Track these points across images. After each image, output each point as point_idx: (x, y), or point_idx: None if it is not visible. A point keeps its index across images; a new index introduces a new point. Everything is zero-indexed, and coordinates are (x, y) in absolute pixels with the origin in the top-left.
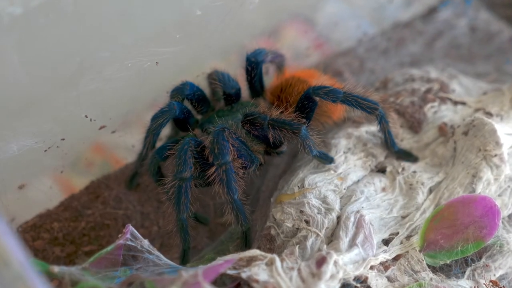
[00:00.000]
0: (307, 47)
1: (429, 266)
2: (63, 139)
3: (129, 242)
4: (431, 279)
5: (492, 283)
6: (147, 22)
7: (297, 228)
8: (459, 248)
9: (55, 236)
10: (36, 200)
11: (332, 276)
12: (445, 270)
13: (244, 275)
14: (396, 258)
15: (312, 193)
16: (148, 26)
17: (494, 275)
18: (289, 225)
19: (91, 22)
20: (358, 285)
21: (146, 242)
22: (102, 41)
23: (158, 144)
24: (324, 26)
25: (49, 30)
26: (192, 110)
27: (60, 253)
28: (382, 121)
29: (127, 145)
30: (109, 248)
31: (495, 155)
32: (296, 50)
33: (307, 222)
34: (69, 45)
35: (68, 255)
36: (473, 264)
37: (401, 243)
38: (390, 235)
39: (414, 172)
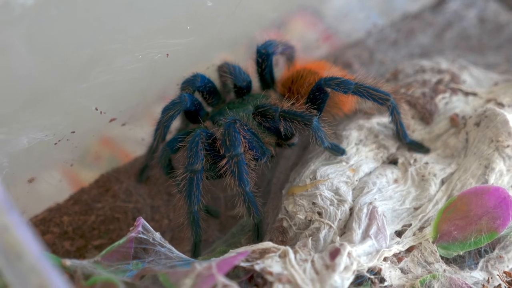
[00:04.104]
0: (316, 39)
1: (442, 257)
2: (73, 132)
3: (141, 235)
4: (444, 270)
5: (506, 274)
6: (157, 14)
7: (310, 220)
8: (472, 239)
9: (65, 230)
10: (45, 193)
11: (346, 268)
12: (458, 262)
13: (257, 267)
14: (409, 250)
15: (324, 184)
16: (158, 18)
17: (508, 266)
18: (302, 217)
19: (101, 14)
20: (372, 276)
21: (158, 235)
22: (112, 33)
23: (168, 136)
24: (333, 18)
25: (59, 21)
26: (202, 102)
27: (70, 247)
28: (394, 112)
29: (137, 138)
30: (121, 241)
31: (508, 146)
32: (305, 42)
33: (319, 214)
34: (80, 37)
35: (78, 249)
36: (486, 256)
37: (414, 234)
38: (403, 226)
39: (426, 163)
